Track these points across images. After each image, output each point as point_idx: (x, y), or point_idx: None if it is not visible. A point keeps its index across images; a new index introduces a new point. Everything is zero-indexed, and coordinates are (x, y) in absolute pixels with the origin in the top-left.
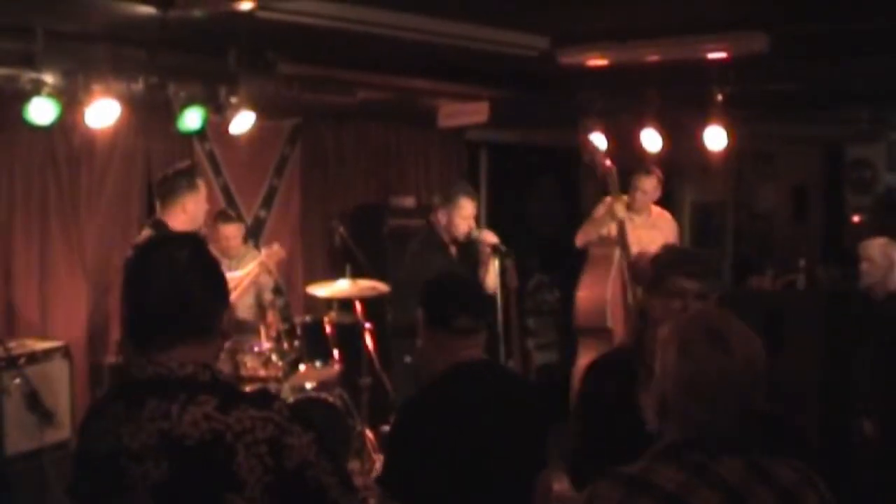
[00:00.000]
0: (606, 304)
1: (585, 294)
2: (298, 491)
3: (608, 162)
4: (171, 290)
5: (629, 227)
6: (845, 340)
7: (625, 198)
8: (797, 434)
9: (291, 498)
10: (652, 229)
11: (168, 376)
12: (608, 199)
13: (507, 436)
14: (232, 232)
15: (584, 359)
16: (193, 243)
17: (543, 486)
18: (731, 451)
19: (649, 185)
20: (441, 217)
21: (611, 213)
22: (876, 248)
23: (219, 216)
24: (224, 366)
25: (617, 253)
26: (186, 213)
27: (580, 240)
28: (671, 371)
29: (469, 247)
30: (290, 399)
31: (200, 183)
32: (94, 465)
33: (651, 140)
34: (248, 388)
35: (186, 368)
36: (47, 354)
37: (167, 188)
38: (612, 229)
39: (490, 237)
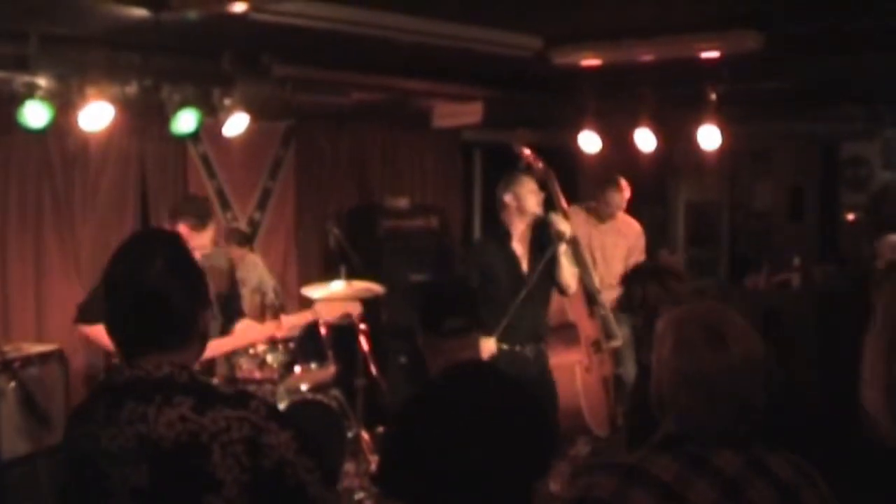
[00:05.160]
0: (564, 301)
1: None
2: (277, 489)
3: (540, 164)
4: (149, 297)
5: (594, 234)
6: (846, 337)
7: (573, 213)
8: (800, 429)
9: (270, 496)
10: (617, 235)
11: (145, 378)
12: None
13: (501, 438)
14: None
15: (553, 357)
16: (171, 247)
17: (540, 495)
18: (729, 444)
19: (615, 199)
20: (510, 200)
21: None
22: (887, 246)
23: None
24: (219, 368)
25: (568, 249)
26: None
27: None
28: (667, 365)
29: (542, 236)
30: (286, 401)
31: None
32: (77, 469)
33: (645, 140)
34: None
35: (163, 370)
36: (42, 358)
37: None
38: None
39: (560, 222)
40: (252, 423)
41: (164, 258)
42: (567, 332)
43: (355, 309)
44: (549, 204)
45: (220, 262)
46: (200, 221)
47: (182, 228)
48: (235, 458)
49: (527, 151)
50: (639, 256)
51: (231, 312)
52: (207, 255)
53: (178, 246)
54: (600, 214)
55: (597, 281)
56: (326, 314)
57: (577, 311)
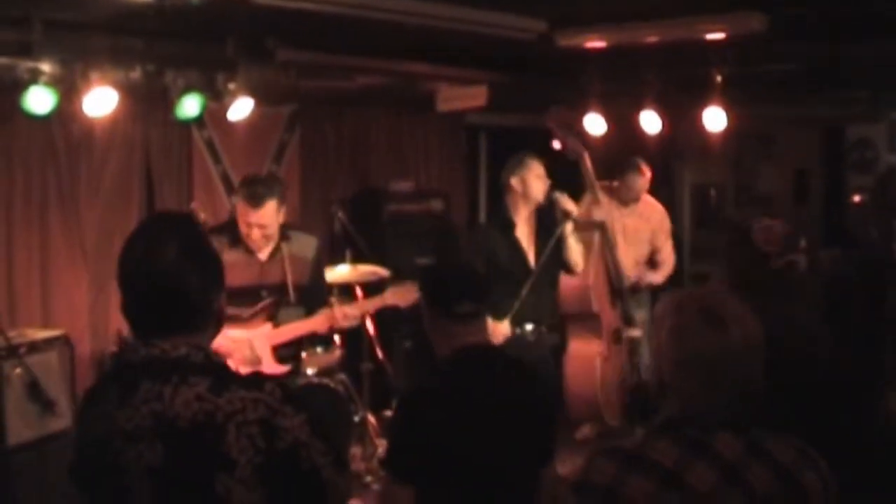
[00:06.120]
0: (590, 290)
1: (568, 280)
2: (291, 471)
3: (579, 146)
4: (163, 281)
5: (616, 216)
6: (849, 320)
7: (601, 196)
8: (808, 413)
9: (284, 478)
10: (639, 219)
11: (161, 357)
12: (587, 198)
13: (508, 424)
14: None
15: (574, 344)
16: (185, 231)
17: (548, 481)
18: (729, 427)
19: (637, 183)
20: (515, 184)
21: (591, 221)
22: None
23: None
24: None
25: (597, 237)
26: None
27: None
28: (667, 349)
29: (546, 218)
30: (292, 385)
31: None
32: (91, 448)
33: (650, 122)
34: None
35: (179, 350)
36: (48, 343)
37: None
38: (594, 214)
39: (566, 202)
40: (267, 405)
41: (177, 242)
42: (590, 322)
43: None
44: (579, 186)
45: (305, 252)
46: (252, 199)
47: (239, 204)
48: (250, 440)
49: (560, 130)
50: (664, 239)
51: (313, 304)
52: (290, 243)
53: (191, 229)
54: (622, 198)
55: (627, 265)
56: (399, 300)
57: (601, 301)
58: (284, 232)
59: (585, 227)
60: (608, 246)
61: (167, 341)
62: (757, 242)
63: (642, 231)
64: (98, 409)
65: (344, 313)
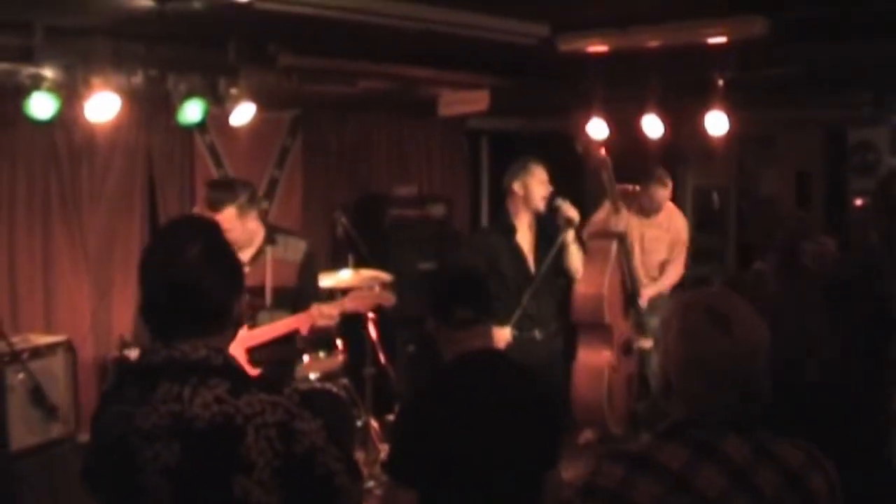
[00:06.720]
0: (604, 300)
1: (583, 289)
2: (306, 476)
3: (602, 152)
4: (185, 284)
5: (634, 224)
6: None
7: (622, 208)
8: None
9: (299, 482)
10: (658, 229)
11: (181, 359)
12: (606, 205)
13: (511, 428)
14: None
15: (584, 353)
16: (207, 232)
17: (553, 485)
18: (735, 430)
19: (659, 194)
20: (518, 189)
21: (609, 230)
22: None
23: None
24: None
25: (614, 246)
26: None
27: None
28: (673, 351)
29: (548, 224)
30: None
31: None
32: (107, 447)
33: (652, 126)
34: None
35: (199, 352)
36: (50, 349)
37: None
38: (612, 223)
39: (569, 209)
40: (286, 409)
41: (199, 245)
42: (601, 332)
43: (388, 300)
44: (581, 192)
45: (292, 256)
46: (209, 203)
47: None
48: (269, 442)
49: (586, 136)
50: (678, 251)
51: (301, 307)
52: (275, 247)
53: (214, 233)
54: (643, 208)
55: (640, 275)
56: (358, 305)
57: (613, 311)
58: (271, 235)
59: (603, 235)
60: (625, 256)
61: (187, 343)
62: (808, 261)
63: (661, 241)
64: (116, 409)
65: (320, 311)
